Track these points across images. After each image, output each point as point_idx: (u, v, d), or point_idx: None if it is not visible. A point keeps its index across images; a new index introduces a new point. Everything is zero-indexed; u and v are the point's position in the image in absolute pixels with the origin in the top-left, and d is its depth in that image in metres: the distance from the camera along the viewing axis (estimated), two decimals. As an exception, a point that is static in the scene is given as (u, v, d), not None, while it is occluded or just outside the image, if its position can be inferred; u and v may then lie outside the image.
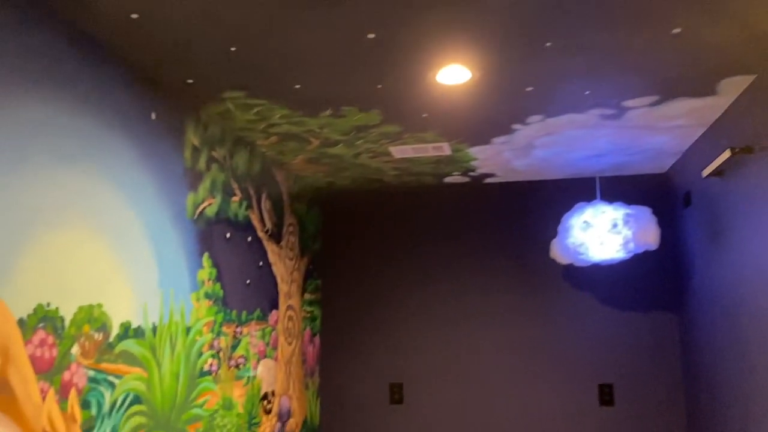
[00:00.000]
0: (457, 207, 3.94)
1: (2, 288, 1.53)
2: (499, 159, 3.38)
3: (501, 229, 3.87)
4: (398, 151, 3.19)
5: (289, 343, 3.49)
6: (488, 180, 3.85)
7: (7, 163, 1.58)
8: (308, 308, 3.81)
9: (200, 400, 2.45)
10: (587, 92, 2.45)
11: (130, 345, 2.02)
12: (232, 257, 2.81)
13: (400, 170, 3.60)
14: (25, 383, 1.58)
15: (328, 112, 2.62)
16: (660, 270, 3.64)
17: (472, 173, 3.68)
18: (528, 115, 2.71)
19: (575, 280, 3.72)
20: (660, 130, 2.89)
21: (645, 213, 3.22)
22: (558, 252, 3.39)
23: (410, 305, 3.91)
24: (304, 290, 3.74)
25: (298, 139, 2.97)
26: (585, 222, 3.20)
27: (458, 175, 3.72)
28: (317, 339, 3.95)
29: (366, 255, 4.01)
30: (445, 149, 3.16)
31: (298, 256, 3.68)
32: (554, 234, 3.46)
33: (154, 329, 2.17)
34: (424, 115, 2.69)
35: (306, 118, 2.69)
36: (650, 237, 3.18)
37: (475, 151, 3.23)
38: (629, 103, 2.56)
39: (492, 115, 2.69)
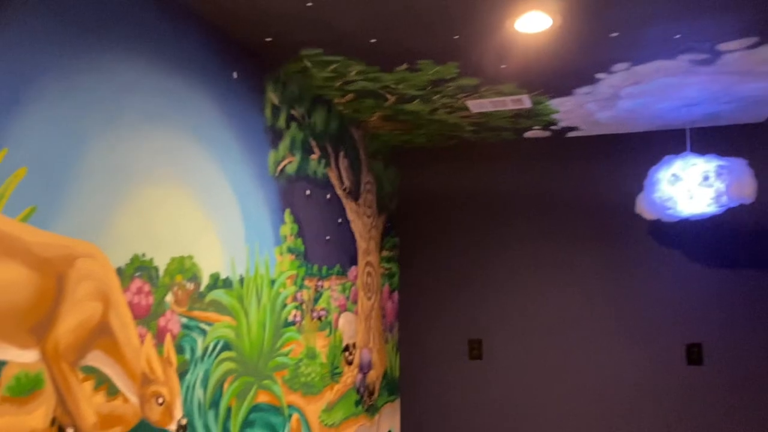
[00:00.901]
0: (538, 162, 3.85)
1: (101, 239, 1.64)
2: (582, 111, 3.26)
3: (584, 185, 3.76)
4: (476, 105, 3.14)
5: (369, 298, 3.56)
6: (571, 134, 3.73)
7: (103, 122, 1.67)
8: (386, 265, 3.86)
9: (285, 349, 2.56)
10: (677, 36, 2.30)
11: (219, 295, 2.13)
12: (312, 214, 2.88)
13: (478, 125, 3.54)
14: (125, 328, 1.70)
15: (403, 67, 2.60)
16: (757, 225, 3.44)
17: (553, 127, 3.58)
18: (613, 63, 2.58)
19: (662, 236, 3.58)
20: (759, 75, 2.69)
21: (740, 165, 3.03)
22: (644, 207, 3.26)
23: (489, 262, 3.89)
24: (382, 247, 3.79)
25: (374, 96, 2.98)
26: (674, 175, 3.06)
27: (539, 129, 3.63)
28: (396, 295, 4.01)
29: (443, 212, 4.01)
30: (525, 102, 3.08)
31: (376, 213, 3.72)
32: (640, 189, 3.32)
33: (241, 281, 2.27)
34: (502, 67, 2.62)
35: (382, 74, 2.68)
36: (746, 190, 3.00)
37: (556, 104, 3.13)
38: (724, 46, 2.39)
39: (574, 64, 2.59)
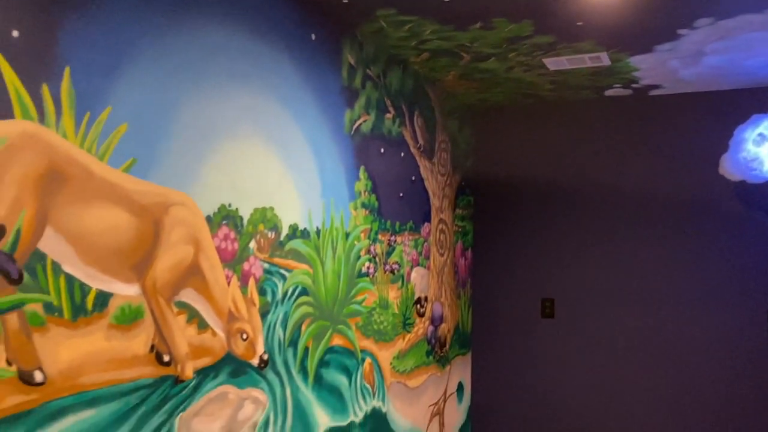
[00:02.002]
0: (619, 121, 3.78)
1: (192, 189, 1.81)
2: (664, 69, 3.16)
3: (666, 144, 3.66)
4: (553, 63, 3.11)
5: (441, 255, 3.66)
6: (653, 92, 3.63)
7: (192, 82, 1.83)
8: (460, 223, 3.94)
9: (359, 298, 2.71)
10: (766, -13, 2.21)
11: (297, 244, 2.29)
12: (386, 171, 2.99)
13: (556, 84, 3.50)
14: (214, 270, 1.88)
15: (478, 25, 2.62)
16: None
17: (634, 85, 3.49)
18: (696, 18, 2.50)
19: (747, 197, 3.45)
20: None
21: (836, 124, 2.87)
22: (729, 167, 3.17)
23: (564, 221, 3.89)
24: (455, 206, 3.86)
25: (449, 55, 3.01)
26: (760, 135, 2.94)
27: (619, 87, 3.55)
28: (469, 253, 4.09)
29: (519, 172, 4.02)
30: (603, 60, 3.03)
31: (450, 172, 3.79)
32: (725, 149, 3.21)
33: (318, 232, 2.42)
34: (579, 24, 2.59)
35: (456, 33, 2.71)
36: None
37: (636, 61, 3.06)
38: (819, -3, 2.27)
39: (654, 20, 2.52)
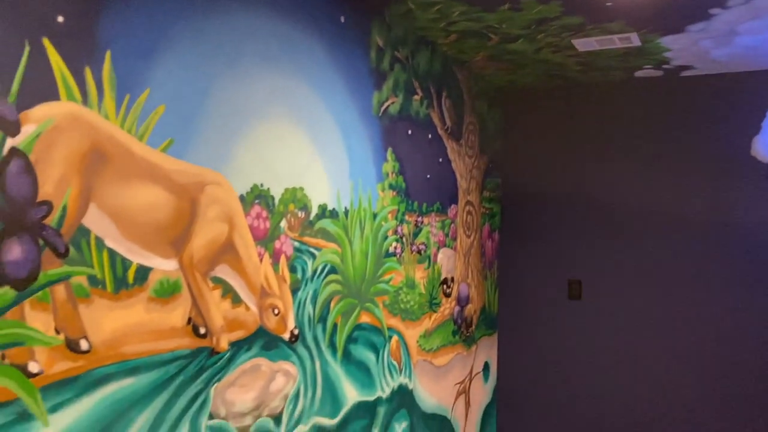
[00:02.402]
0: (649, 103, 3.74)
1: (226, 169, 1.88)
2: (696, 49, 3.12)
3: (697, 125, 3.62)
4: (582, 44, 3.10)
5: (468, 236, 3.69)
6: (685, 73, 3.58)
7: (225, 64, 1.88)
8: (487, 205, 3.96)
9: (386, 277, 2.77)
10: (801, -35, 2.17)
11: (326, 224, 2.35)
12: (414, 153, 3.02)
13: (585, 65, 3.49)
14: (247, 247, 1.95)
15: (506, 6, 2.63)
16: None
17: (665, 66, 3.46)
18: (728, -3, 2.47)
19: (780, 181, 3.41)
20: None
21: None
22: (760, 149, 3.13)
23: (592, 203, 3.88)
24: (483, 188, 3.88)
25: (477, 36, 3.02)
26: (794, 116, 2.89)
27: (650, 68, 3.51)
28: (496, 234, 4.11)
29: (548, 154, 4.01)
30: (634, 40, 3.01)
31: (478, 154, 3.80)
32: (757, 130, 3.17)
33: (346, 212, 2.47)
34: (608, 4, 2.58)
35: (484, 14, 2.72)
36: None
37: (667, 41, 3.03)
38: None
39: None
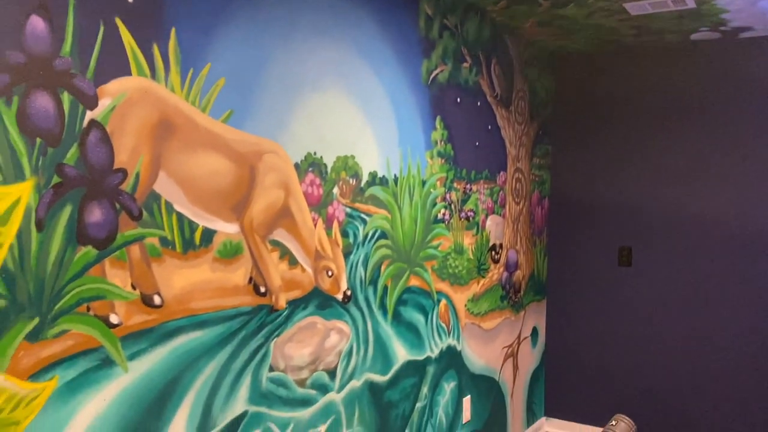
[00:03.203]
0: (706, 66, 3.66)
1: (282, 138, 1.98)
2: (755, 9, 3.03)
3: (755, 88, 3.52)
4: (634, 8, 3.05)
5: (517, 203, 3.73)
6: (743, 35, 3.48)
7: (280, 38, 1.97)
8: (537, 172, 3.97)
9: (435, 243, 2.85)
10: None
11: (376, 191, 2.44)
12: (462, 120, 3.07)
13: (638, 29, 3.43)
14: (302, 212, 2.06)
15: (555, -28, 2.62)
16: None
17: (723, 28, 3.36)
18: (788, -45, 2.40)
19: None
20: None
21: None
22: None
23: (644, 170, 3.84)
24: (533, 155, 3.89)
25: (527, 2, 3.01)
26: None
27: (707, 30, 3.43)
28: (546, 201, 4.12)
29: (599, 120, 3.98)
30: (689, 2, 2.94)
31: (528, 121, 3.81)
32: (819, 93, 3.07)
33: (395, 180, 2.56)
34: (660, -34, 2.54)
35: (533, -20, 2.72)
36: None
37: (724, 2, 2.95)
38: None
39: (742, -41, 2.44)
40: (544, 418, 4.18)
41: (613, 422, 3.41)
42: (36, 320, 1.35)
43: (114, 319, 1.52)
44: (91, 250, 1.46)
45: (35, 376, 1.35)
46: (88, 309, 1.46)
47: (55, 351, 1.39)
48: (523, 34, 3.56)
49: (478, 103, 3.22)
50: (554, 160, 4.15)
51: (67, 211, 1.40)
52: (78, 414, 1.43)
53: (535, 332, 4.03)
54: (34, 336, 1.35)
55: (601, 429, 3.51)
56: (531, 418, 4.01)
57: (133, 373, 1.56)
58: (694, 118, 3.69)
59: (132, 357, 1.56)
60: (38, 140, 1.35)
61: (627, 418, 3.43)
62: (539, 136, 3.97)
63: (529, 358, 3.96)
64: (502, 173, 3.50)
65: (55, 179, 1.38)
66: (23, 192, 1.32)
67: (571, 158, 4.08)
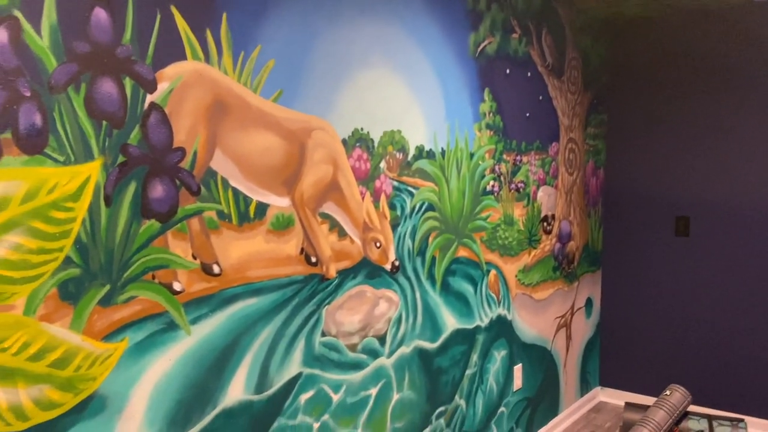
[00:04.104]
0: (771, 28, 3.51)
1: (330, 115, 2.07)
2: (823, -34, 2.88)
3: (824, 51, 3.36)
4: (691, -29, 2.96)
5: (570, 174, 3.71)
6: (812, -7, 3.31)
7: (327, 18, 2.04)
8: (591, 142, 3.92)
9: (483, 214, 2.89)
10: None
11: (423, 164, 2.50)
12: (512, 92, 3.07)
13: (696, -9, 3.31)
14: (350, 186, 2.15)
15: (604, -62, 2.57)
16: None
17: (789, -13, 3.21)
18: None
19: None
20: None
21: None
22: None
23: (702, 138, 3.74)
24: (587, 124, 3.85)
25: (577, -30, 2.97)
26: None
27: (771, -10, 3.28)
28: (601, 171, 4.08)
29: (656, 87, 3.88)
30: (749, -38, 2.83)
31: (581, 90, 3.76)
32: None
33: (443, 153, 2.61)
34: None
35: (582, -53, 2.67)
36: None
37: (788, -40, 2.82)
38: None
39: None
40: (598, 388, 4.19)
41: (668, 392, 3.40)
42: (107, 287, 1.50)
43: (177, 286, 1.65)
44: (155, 223, 1.59)
45: (108, 337, 1.50)
46: (154, 277, 1.60)
47: (124, 315, 1.53)
48: (575, 1, 3.50)
49: (529, 74, 3.21)
50: (609, 130, 4.08)
51: (132, 188, 1.53)
52: (147, 372, 1.58)
53: (589, 303, 4.02)
54: (106, 301, 1.49)
55: (655, 399, 3.50)
56: (585, 387, 4.03)
57: (196, 336, 1.70)
58: (758, 84, 3.55)
59: (194, 321, 1.69)
60: (104, 123, 1.47)
61: (682, 388, 3.41)
62: (593, 105, 3.91)
63: (583, 328, 3.97)
64: (554, 144, 3.49)
65: (121, 158, 1.51)
66: (93, 170, 1.45)
67: (627, 127, 4.00)
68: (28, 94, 1.34)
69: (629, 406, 3.55)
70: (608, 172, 4.10)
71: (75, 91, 1.42)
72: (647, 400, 3.99)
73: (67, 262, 1.41)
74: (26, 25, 1.33)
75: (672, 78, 3.82)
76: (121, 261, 1.52)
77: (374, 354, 2.30)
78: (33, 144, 1.35)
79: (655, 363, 3.97)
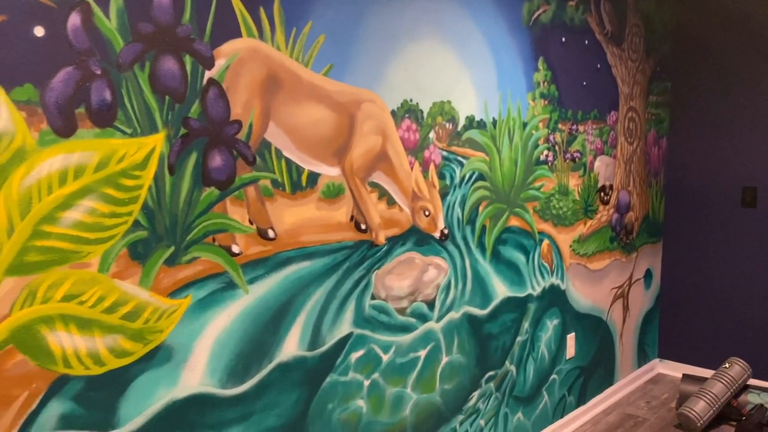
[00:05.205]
0: None
1: (379, 87, 2.14)
2: None
3: None
4: (760, -71, 2.82)
5: (630, 143, 3.64)
6: None
7: (376, -7, 2.11)
8: (653, 110, 3.83)
9: (537, 184, 2.91)
10: None
11: (474, 134, 2.54)
12: (568, 60, 3.04)
13: (768, -50, 3.16)
14: (399, 156, 2.23)
15: None
16: None
17: None
18: None
19: None
20: None
21: None
22: None
23: (773, 106, 3.59)
24: (648, 92, 3.75)
25: (637, -67, 2.89)
26: None
27: None
28: (663, 141, 3.98)
29: (724, 53, 3.74)
30: None
31: (643, 57, 3.66)
32: None
33: (494, 122, 2.63)
34: None
35: None
36: None
37: None
38: None
39: None
40: (657, 360, 4.15)
41: (727, 365, 3.35)
42: (172, 248, 1.64)
43: (235, 249, 1.78)
44: (214, 190, 1.72)
45: (174, 293, 1.65)
46: (214, 240, 1.73)
47: (188, 274, 1.68)
48: (638, -35, 3.40)
49: (586, 42, 3.17)
50: (673, 98, 3.96)
51: (193, 158, 1.66)
52: (208, 326, 1.73)
53: (648, 274, 3.97)
54: (171, 261, 1.64)
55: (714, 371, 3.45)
56: (642, 358, 4.00)
57: (253, 295, 1.83)
58: (836, 45, 3.36)
59: (251, 281, 1.83)
60: (167, 98, 1.60)
61: (742, 361, 3.36)
62: (656, 73, 3.81)
63: (642, 299, 3.93)
64: (612, 113, 3.44)
65: (182, 131, 1.64)
66: (157, 142, 1.59)
67: (692, 95, 3.88)
68: (98, 72, 1.48)
69: (687, 377, 3.52)
70: (671, 142, 4.00)
71: (140, 69, 1.55)
72: (707, 373, 3.93)
73: (136, 225, 1.56)
74: (96, 9, 1.46)
75: (740, 44, 3.66)
76: (184, 225, 1.66)
77: (423, 318, 2.39)
78: (104, 117, 1.49)
79: (715, 336, 3.89)
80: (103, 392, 1.54)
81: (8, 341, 1.38)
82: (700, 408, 3.21)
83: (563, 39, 3.00)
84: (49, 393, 1.45)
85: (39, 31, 1.39)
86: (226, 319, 1.77)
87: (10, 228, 1.36)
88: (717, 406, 3.22)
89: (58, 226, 1.43)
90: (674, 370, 4.09)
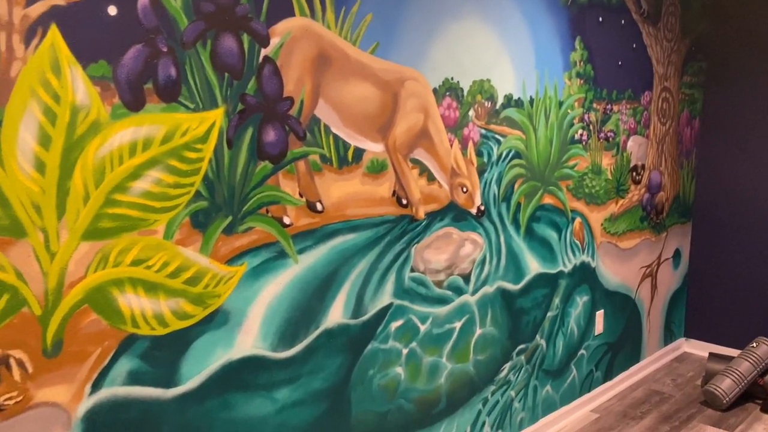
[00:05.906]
0: None
1: (422, 65, 2.19)
2: None
3: None
4: None
5: (663, 124, 3.65)
6: None
7: (421, -27, 2.15)
8: (687, 91, 3.83)
9: (571, 163, 2.95)
10: None
11: (511, 112, 2.59)
12: (604, 40, 3.06)
13: (811, -71, 3.12)
14: (439, 133, 2.29)
15: None
16: None
17: None
18: None
19: None
20: None
21: None
22: None
23: (810, 87, 3.57)
24: (683, 72, 3.75)
25: None
26: None
27: None
28: (697, 122, 3.98)
29: (762, 34, 3.71)
30: None
31: (679, 37, 3.66)
32: None
33: (531, 101, 2.68)
34: None
35: None
36: None
37: None
38: None
39: None
40: (683, 339, 4.20)
41: (755, 344, 3.39)
42: (229, 218, 1.73)
43: (287, 220, 1.87)
44: (268, 164, 1.81)
45: (230, 261, 1.75)
46: (267, 211, 1.82)
47: (244, 243, 1.77)
48: (677, -57, 3.38)
49: (622, 21, 3.18)
50: (708, 78, 3.95)
51: (249, 132, 1.75)
52: (261, 292, 1.83)
53: (677, 254, 4.00)
54: (228, 230, 1.73)
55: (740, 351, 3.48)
56: (669, 337, 4.05)
57: (302, 264, 1.92)
58: None
59: (301, 251, 1.92)
60: (226, 74, 1.68)
61: (769, 341, 3.39)
62: (691, 53, 3.80)
63: (670, 279, 3.96)
64: (647, 93, 3.45)
65: (240, 106, 1.72)
66: (217, 117, 1.67)
67: (727, 76, 3.86)
68: (165, 49, 1.56)
69: (713, 356, 3.57)
70: (704, 122, 3.99)
71: (202, 47, 1.62)
72: (733, 353, 3.97)
73: (197, 195, 1.66)
74: (163, -10, 1.54)
75: (780, 23, 3.63)
76: (240, 196, 1.75)
77: (459, 291, 2.47)
78: (169, 93, 1.58)
79: (743, 316, 3.92)
80: (166, 351, 1.64)
81: (83, 301, 1.49)
82: (726, 385, 3.27)
83: (600, 18, 3.02)
84: (119, 350, 1.56)
85: (112, 11, 1.47)
86: (277, 287, 1.86)
87: (86, 196, 1.46)
88: (743, 384, 3.27)
89: (128, 194, 1.53)
90: (700, 349, 4.13)
